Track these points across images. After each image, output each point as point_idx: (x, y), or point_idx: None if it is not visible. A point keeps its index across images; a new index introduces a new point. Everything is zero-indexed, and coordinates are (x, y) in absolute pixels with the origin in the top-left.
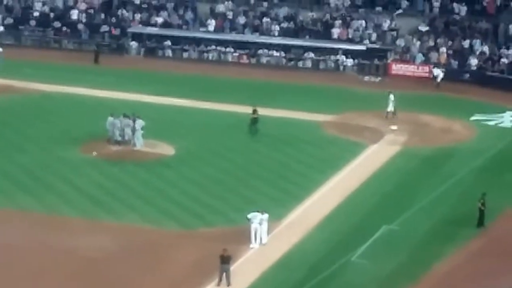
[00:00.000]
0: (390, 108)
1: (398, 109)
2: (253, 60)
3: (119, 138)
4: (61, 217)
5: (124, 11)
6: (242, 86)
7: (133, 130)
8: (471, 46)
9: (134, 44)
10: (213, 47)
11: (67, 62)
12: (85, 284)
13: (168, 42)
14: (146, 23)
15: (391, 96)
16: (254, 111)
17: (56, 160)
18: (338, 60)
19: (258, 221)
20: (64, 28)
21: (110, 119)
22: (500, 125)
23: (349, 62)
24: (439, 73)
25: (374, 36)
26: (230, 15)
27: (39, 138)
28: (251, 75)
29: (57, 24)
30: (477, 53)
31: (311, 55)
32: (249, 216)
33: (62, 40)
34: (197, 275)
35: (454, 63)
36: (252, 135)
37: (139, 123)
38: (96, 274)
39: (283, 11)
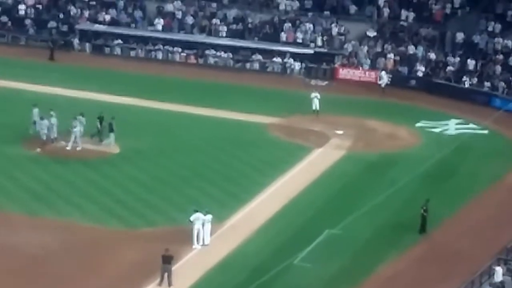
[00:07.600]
0: (315, 106)
1: (344, 114)
2: (201, 61)
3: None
4: (2, 213)
5: (73, 7)
6: (189, 86)
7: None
8: (417, 53)
9: (81, 41)
10: (161, 46)
11: (13, 57)
12: (24, 280)
13: (116, 40)
14: (94, 20)
15: (315, 94)
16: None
17: None
18: (285, 63)
19: (200, 222)
20: (10, 23)
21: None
22: (445, 132)
23: (297, 65)
24: (384, 78)
25: (322, 40)
26: (178, 14)
27: None
28: (198, 76)
29: (3, 18)
30: (424, 60)
31: (259, 57)
32: (191, 218)
33: (8, 34)
34: (138, 274)
35: (401, 69)
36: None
37: (81, 120)
38: (36, 271)
39: (232, 13)
